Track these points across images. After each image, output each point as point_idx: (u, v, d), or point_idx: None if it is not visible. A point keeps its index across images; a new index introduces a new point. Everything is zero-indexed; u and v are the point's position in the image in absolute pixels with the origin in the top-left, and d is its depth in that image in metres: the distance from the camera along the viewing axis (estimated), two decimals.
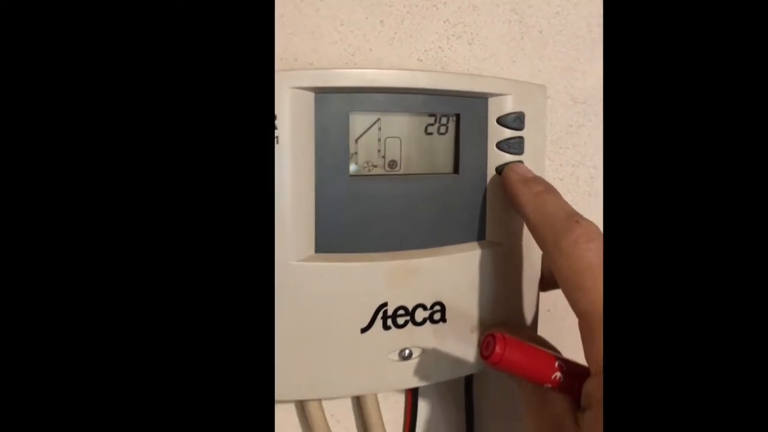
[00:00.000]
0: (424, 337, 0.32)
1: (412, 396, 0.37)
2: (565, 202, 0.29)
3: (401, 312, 0.31)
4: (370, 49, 0.34)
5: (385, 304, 0.31)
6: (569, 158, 0.40)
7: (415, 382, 0.33)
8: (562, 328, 0.42)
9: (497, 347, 0.26)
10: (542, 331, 0.36)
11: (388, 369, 0.32)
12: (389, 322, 0.31)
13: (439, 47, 0.35)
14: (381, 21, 0.34)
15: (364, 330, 0.31)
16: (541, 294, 0.36)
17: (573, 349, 0.30)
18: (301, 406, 0.35)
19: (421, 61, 0.35)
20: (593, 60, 0.39)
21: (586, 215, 0.28)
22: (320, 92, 0.29)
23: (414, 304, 0.31)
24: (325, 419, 0.34)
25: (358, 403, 0.36)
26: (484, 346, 0.27)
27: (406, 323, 0.31)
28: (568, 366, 0.28)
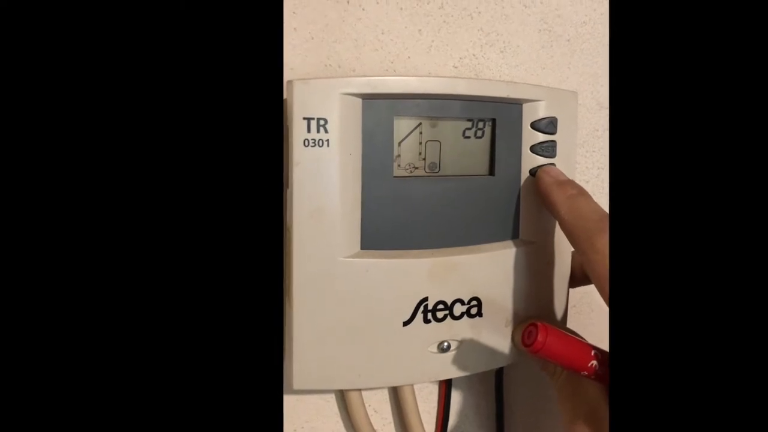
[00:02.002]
0: (462, 330, 0.34)
1: (446, 387, 0.38)
2: (598, 205, 0.31)
3: (441, 306, 0.33)
4: (409, 57, 0.36)
5: (425, 299, 0.32)
6: (596, 161, 0.41)
7: (452, 373, 0.34)
8: (587, 323, 0.44)
9: (539, 335, 0.28)
10: (568, 326, 0.38)
11: (427, 361, 0.33)
12: (429, 316, 0.33)
13: (473, 55, 0.37)
14: (419, 30, 0.36)
15: (406, 323, 0.32)
16: (569, 291, 0.37)
17: (596, 344, 0.32)
18: (341, 396, 0.37)
19: (456, 68, 0.37)
20: None
21: None
22: (367, 98, 0.31)
23: (453, 299, 0.33)
24: (365, 409, 0.36)
25: (395, 393, 0.38)
26: (526, 335, 0.29)
27: (445, 317, 0.33)
28: (603, 355, 0.29)
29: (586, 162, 0.41)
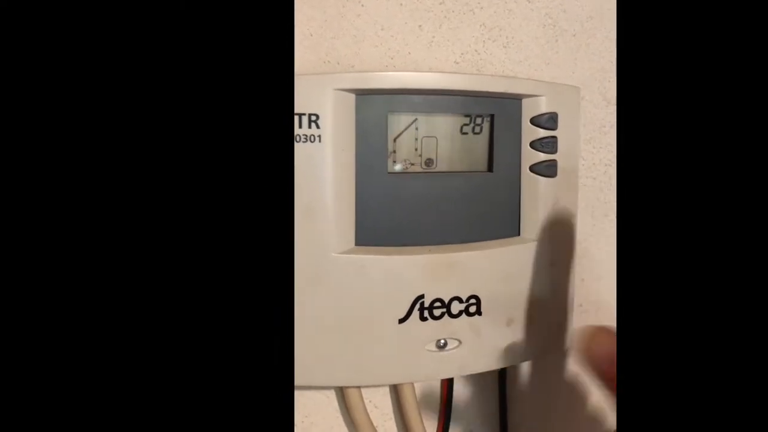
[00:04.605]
0: (460, 328, 0.33)
1: (448, 385, 0.38)
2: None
3: (437, 304, 0.33)
4: (409, 53, 0.36)
5: (421, 296, 0.32)
6: (603, 157, 0.41)
7: (450, 373, 0.34)
8: (593, 322, 0.43)
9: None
10: (574, 326, 0.37)
11: (424, 359, 0.33)
12: (426, 313, 0.32)
13: (476, 50, 0.37)
14: (420, 26, 0.36)
15: (401, 321, 0.32)
16: (573, 290, 0.37)
17: None
18: (341, 393, 0.37)
19: (457, 63, 0.37)
20: None
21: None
22: (361, 94, 0.31)
23: (450, 296, 0.33)
24: (364, 405, 0.36)
25: (395, 389, 0.38)
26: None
27: (442, 315, 0.33)
28: None
29: (593, 158, 0.41)
